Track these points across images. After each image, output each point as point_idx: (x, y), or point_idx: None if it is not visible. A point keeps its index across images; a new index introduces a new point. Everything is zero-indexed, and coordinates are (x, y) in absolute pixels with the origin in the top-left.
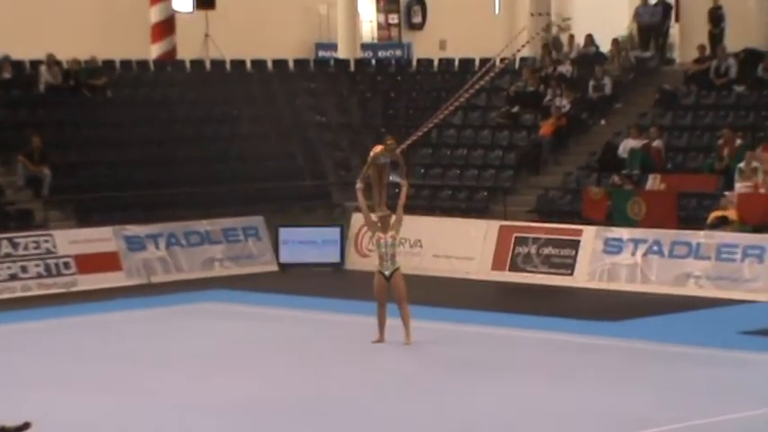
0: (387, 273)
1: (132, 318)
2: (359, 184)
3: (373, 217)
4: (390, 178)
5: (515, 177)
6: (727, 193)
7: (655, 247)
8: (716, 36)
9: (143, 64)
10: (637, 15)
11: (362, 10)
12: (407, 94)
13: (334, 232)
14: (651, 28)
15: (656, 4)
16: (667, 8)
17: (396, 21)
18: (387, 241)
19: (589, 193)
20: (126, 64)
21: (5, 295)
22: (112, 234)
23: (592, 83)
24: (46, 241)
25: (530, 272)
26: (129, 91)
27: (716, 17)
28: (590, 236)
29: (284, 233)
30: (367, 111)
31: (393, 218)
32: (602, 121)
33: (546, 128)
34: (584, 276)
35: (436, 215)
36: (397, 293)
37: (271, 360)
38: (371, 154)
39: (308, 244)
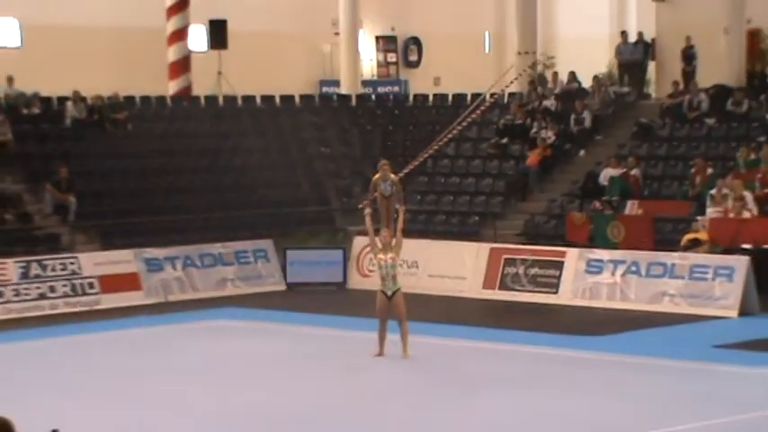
0: (389, 293)
1: (151, 334)
2: (367, 210)
3: (377, 240)
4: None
5: (504, 203)
6: (699, 217)
7: (633, 268)
8: (689, 73)
9: (161, 99)
10: (618, 53)
11: (363, 49)
12: (404, 126)
13: (337, 254)
14: (632, 65)
15: (635, 43)
16: (647, 46)
17: (394, 59)
18: (387, 263)
19: (572, 217)
20: (145, 99)
21: (35, 313)
22: (133, 256)
23: (573, 116)
24: (72, 263)
25: (518, 290)
26: (149, 125)
27: (688, 56)
28: (573, 257)
29: (291, 255)
30: (367, 142)
31: (393, 241)
32: (582, 152)
33: (532, 158)
34: (567, 294)
35: (431, 238)
36: (398, 312)
37: (279, 372)
38: (373, 179)
39: (313, 265)
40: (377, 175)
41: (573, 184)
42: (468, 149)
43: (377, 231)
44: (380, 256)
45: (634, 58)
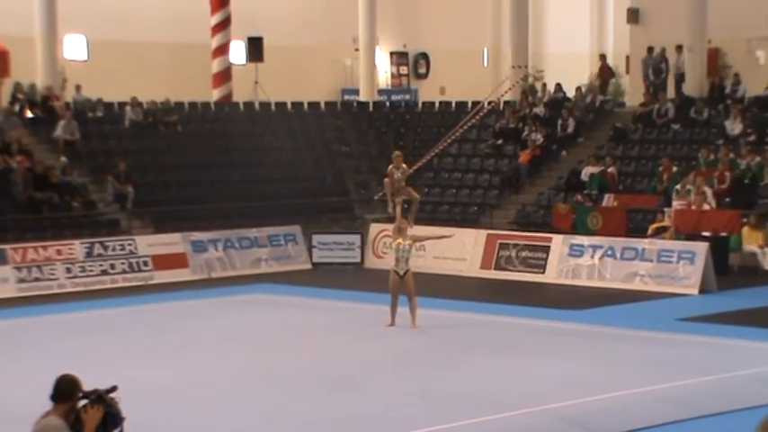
0: (401, 272)
1: (196, 305)
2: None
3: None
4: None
5: (499, 196)
6: (666, 209)
7: (609, 252)
8: (658, 85)
9: (206, 105)
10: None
11: (379, 63)
12: (414, 129)
13: (355, 238)
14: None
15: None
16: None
17: (405, 71)
18: (405, 247)
19: (558, 208)
20: (192, 105)
21: (98, 287)
22: (181, 239)
23: (560, 121)
24: (129, 244)
25: (510, 270)
26: (195, 126)
27: (657, 70)
28: (558, 242)
29: (316, 238)
30: (382, 142)
31: (408, 227)
32: (564, 153)
33: (524, 157)
34: (553, 274)
35: (437, 225)
36: (408, 289)
37: (305, 339)
38: (389, 168)
39: (334, 247)
40: (391, 165)
41: (558, 179)
42: (469, 149)
43: (393, 219)
44: (399, 240)
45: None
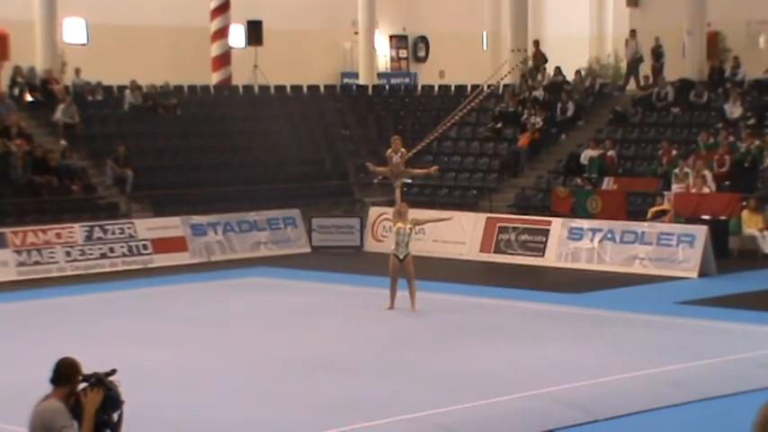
0: (401, 256)
1: (196, 289)
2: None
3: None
4: (402, 180)
5: (499, 179)
6: (665, 192)
7: (608, 235)
8: (657, 69)
9: (205, 89)
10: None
11: (379, 46)
12: (414, 113)
13: (355, 222)
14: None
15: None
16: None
17: (405, 55)
18: (405, 231)
19: (557, 191)
20: (192, 88)
21: (97, 270)
22: (181, 222)
23: (559, 105)
24: (129, 228)
25: (510, 254)
26: (194, 110)
27: (657, 54)
28: (557, 226)
29: (316, 222)
30: (381, 126)
31: (409, 211)
32: (563, 136)
33: (523, 140)
34: (552, 258)
35: (436, 208)
36: (408, 273)
37: (305, 322)
38: (387, 152)
39: (334, 231)
40: (390, 149)
41: (557, 163)
42: (468, 133)
43: (393, 203)
44: (400, 224)
45: (635, 56)
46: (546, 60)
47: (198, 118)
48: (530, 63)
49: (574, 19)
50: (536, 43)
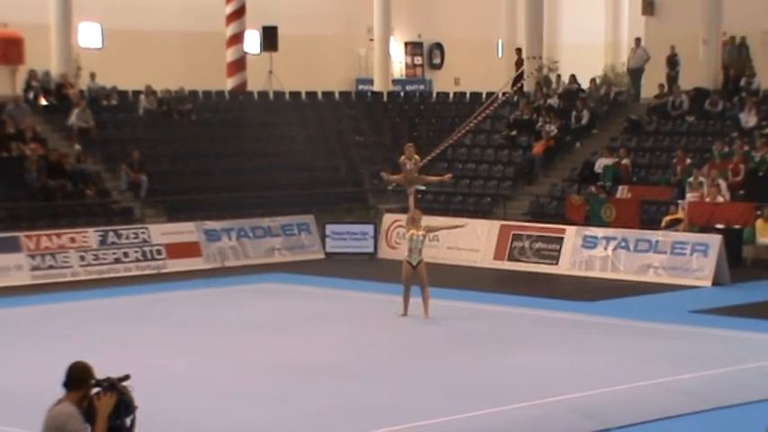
0: (414, 263)
1: (209, 294)
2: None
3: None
4: (415, 186)
5: (513, 187)
6: (679, 201)
7: (623, 243)
8: (672, 77)
9: (220, 94)
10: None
11: (394, 53)
12: (428, 119)
13: (369, 228)
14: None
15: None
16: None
17: (420, 62)
18: (418, 238)
19: (571, 199)
20: (207, 94)
21: (111, 275)
22: (195, 228)
23: (574, 113)
24: (143, 233)
25: (524, 261)
26: (209, 115)
27: (672, 62)
28: (572, 233)
29: (329, 228)
30: (396, 132)
31: (422, 217)
32: (578, 144)
33: (538, 148)
34: (566, 265)
35: (450, 215)
36: (422, 279)
37: (318, 328)
38: (401, 159)
39: (348, 237)
40: (403, 156)
41: (572, 170)
42: (483, 140)
43: (406, 210)
44: (413, 231)
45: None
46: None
47: (212, 123)
48: (545, 71)
49: (589, 27)
50: (518, 51)
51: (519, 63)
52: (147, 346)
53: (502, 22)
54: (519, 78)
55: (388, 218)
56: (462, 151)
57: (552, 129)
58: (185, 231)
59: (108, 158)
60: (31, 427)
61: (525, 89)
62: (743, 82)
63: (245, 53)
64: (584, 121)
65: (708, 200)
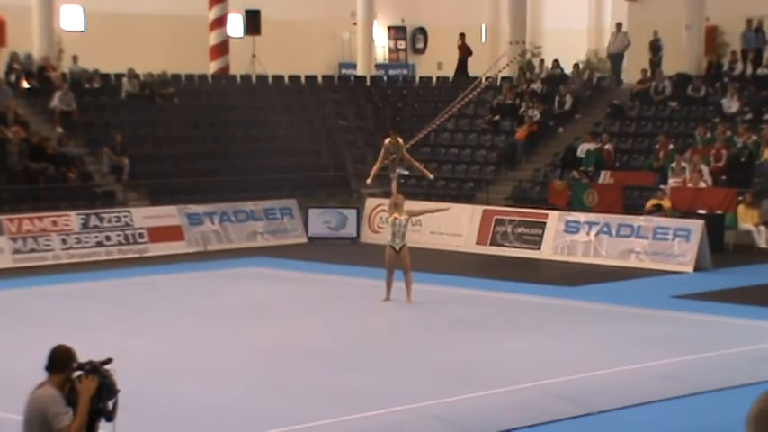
0: (397, 247)
1: (192, 278)
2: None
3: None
4: (398, 171)
5: (496, 172)
6: (662, 186)
7: (605, 228)
8: (655, 62)
9: (203, 78)
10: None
11: (377, 37)
12: (411, 104)
13: (351, 213)
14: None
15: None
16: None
17: (403, 46)
18: (401, 222)
19: (554, 184)
20: (189, 77)
21: (93, 258)
22: (177, 212)
23: (557, 98)
24: (125, 216)
25: (506, 246)
26: (192, 99)
27: (655, 47)
28: (554, 219)
29: (312, 213)
30: (379, 117)
31: (405, 202)
32: (560, 129)
33: (520, 133)
34: (548, 250)
35: (433, 200)
36: (405, 264)
37: (301, 312)
38: (385, 143)
39: (330, 222)
40: (387, 140)
41: (555, 156)
42: (466, 125)
43: (389, 194)
44: (396, 215)
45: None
46: (471, 53)
47: (195, 107)
48: (528, 56)
49: (572, 12)
50: (462, 36)
51: (462, 48)
52: (129, 329)
53: (485, 7)
54: (462, 65)
55: (370, 202)
56: (445, 136)
57: (535, 114)
58: (167, 215)
59: (90, 142)
60: (12, 411)
61: (508, 74)
62: (726, 67)
63: (228, 37)
64: (567, 106)
65: (690, 185)
